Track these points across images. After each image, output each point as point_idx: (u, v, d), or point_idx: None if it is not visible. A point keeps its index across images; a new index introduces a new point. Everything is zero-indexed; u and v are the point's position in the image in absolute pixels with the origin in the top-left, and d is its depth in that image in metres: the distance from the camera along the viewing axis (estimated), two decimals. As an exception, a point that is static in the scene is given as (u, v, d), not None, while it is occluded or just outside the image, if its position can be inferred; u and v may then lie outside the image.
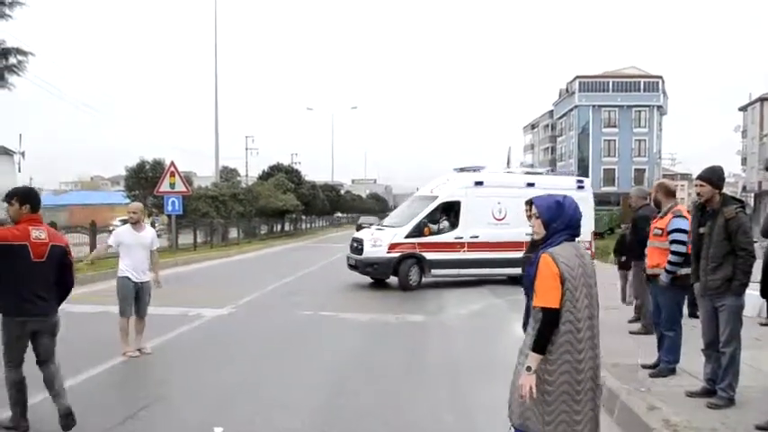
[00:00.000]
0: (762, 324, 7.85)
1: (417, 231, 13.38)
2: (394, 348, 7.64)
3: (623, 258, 9.40)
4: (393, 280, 13.49)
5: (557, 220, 3.00)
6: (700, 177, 4.84)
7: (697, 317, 7.35)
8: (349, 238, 15.78)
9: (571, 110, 66.44)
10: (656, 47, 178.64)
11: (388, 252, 13.24)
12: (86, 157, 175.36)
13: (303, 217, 47.01)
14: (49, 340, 4.57)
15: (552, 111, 75.41)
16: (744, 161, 57.24)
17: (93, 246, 16.17)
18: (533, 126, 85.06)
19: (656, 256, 5.83)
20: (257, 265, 19.69)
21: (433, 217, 13.68)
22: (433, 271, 13.44)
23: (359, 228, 25.01)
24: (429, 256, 13.28)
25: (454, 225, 13.64)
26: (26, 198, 4.49)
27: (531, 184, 13.92)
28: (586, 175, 18.46)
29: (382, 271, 13.46)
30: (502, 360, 4.90)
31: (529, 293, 3.06)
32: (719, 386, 4.67)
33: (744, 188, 53.82)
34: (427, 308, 10.77)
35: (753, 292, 5.20)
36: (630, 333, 7.61)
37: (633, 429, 4.45)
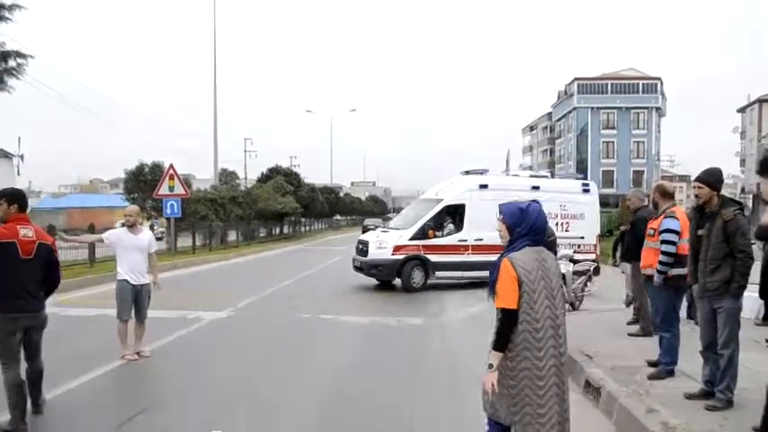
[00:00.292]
0: (758, 324, 7.86)
1: (422, 234, 13.50)
2: (393, 352, 7.63)
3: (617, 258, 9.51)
4: (398, 282, 13.57)
5: (520, 224, 3.18)
6: (698, 179, 4.85)
7: (692, 318, 7.38)
8: (348, 240, 15.85)
9: (570, 112, 66.54)
10: (655, 49, 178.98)
11: (392, 254, 13.35)
12: (85, 160, 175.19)
13: (302, 220, 47.00)
14: (39, 336, 4.81)
15: (551, 113, 75.51)
16: (742, 163, 57.25)
17: (91, 248, 16.20)
18: (532, 128, 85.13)
19: (650, 257, 5.87)
20: (256, 268, 19.69)
21: (437, 219, 13.79)
22: (437, 273, 13.51)
23: (365, 229, 25.14)
24: (433, 258, 13.38)
25: (459, 228, 13.71)
26: (13, 198, 4.71)
27: (536, 188, 13.97)
28: (585, 177, 18.38)
29: (387, 273, 13.54)
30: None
31: (492, 296, 3.24)
32: (718, 388, 4.67)
33: (742, 190, 53.82)
34: (428, 311, 10.77)
35: (751, 293, 5.20)
36: (629, 335, 7.62)
37: (632, 432, 4.45)
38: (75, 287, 12.65)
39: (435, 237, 13.55)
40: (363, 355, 7.46)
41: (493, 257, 3.29)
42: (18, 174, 36.15)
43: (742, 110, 57.14)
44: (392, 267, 13.35)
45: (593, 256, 13.74)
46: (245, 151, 61.42)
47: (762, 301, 7.95)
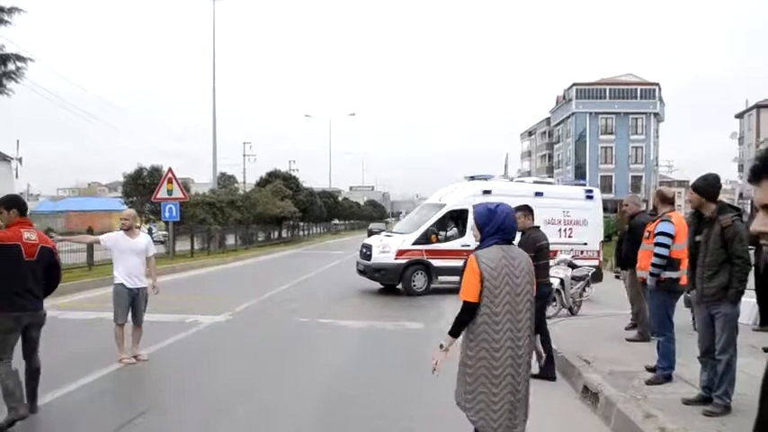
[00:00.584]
0: (755, 330, 7.87)
1: (425, 238, 13.58)
2: (391, 356, 7.63)
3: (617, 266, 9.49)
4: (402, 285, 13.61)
5: (488, 224, 3.38)
6: (691, 185, 4.94)
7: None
8: (347, 245, 15.91)
9: (568, 117, 66.70)
10: (653, 54, 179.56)
11: (395, 258, 13.43)
12: (84, 163, 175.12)
13: (300, 224, 46.98)
14: (38, 333, 5.01)
15: (549, 118, 75.69)
16: (740, 168, 57.37)
17: (90, 251, 16.19)
18: (531, 133, 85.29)
19: (646, 259, 5.93)
20: (254, 272, 19.66)
21: (440, 224, 13.86)
22: (440, 278, 13.53)
23: (370, 233, 25.23)
24: (436, 262, 13.42)
25: (462, 233, 13.71)
26: (10, 204, 4.89)
27: (539, 194, 13.98)
28: (583, 183, 18.36)
29: (390, 277, 13.60)
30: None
31: None
32: (716, 393, 4.67)
33: (740, 195, 53.84)
34: (427, 315, 10.76)
35: (748, 299, 5.22)
36: (627, 340, 7.63)
37: (630, 437, 4.45)
38: (74, 290, 12.63)
39: (438, 241, 13.60)
40: (361, 359, 7.46)
41: None
42: (16, 177, 36.19)
43: (740, 115, 57.32)
44: (395, 271, 13.42)
45: (596, 262, 13.75)
46: (244, 155, 61.46)
47: (758, 307, 7.98)
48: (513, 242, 3.48)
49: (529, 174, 69.02)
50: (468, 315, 3.30)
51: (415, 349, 8.00)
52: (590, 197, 14.99)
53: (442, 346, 3.41)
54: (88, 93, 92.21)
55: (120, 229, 7.13)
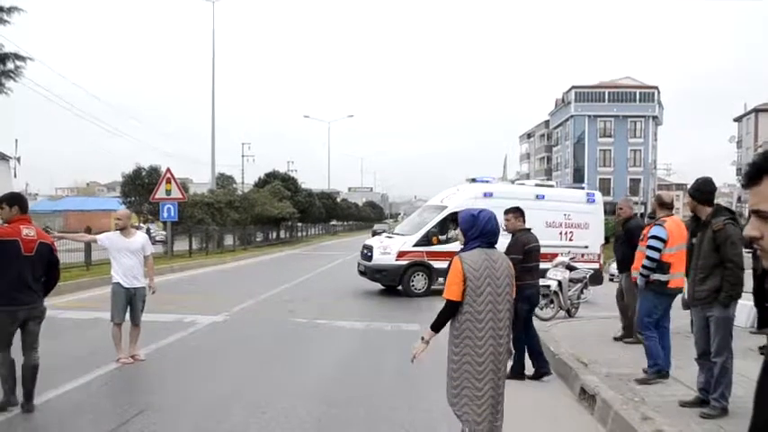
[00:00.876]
0: (753, 333, 7.88)
1: (426, 240, 13.63)
2: (388, 357, 7.62)
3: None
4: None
5: (471, 229, 3.63)
6: (688, 189, 5.02)
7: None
8: (345, 246, 15.93)
9: (567, 120, 66.75)
10: (652, 57, 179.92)
11: (396, 259, 13.47)
12: (83, 163, 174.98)
13: (299, 225, 46.96)
14: (36, 327, 5.08)
15: (548, 120, 75.76)
16: (739, 171, 57.43)
17: (88, 251, 16.16)
18: (529, 135, 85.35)
19: (639, 261, 5.97)
20: (252, 273, 19.66)
21: (441, 226, 13.88)
22: (440, 279, 13.51)
23: (374, 234, 25.27)
24: (436, 264, 13.41)
25: None
26: (13, 201, 5.05)
27: (540, 197, 13.99)
28: (583, 186, 18.31)
29: (390, 278, 13.62)
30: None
31: None
32: (712, 396, 4.69)
33: (739, 198, 54.01)
34: (424, 316, 10.72)
35: (745, 302, 5.23)
36: (625, 342, 7.64)
37: (626, 439, 4.45)
38: (72, 290, 12.61)
39: (439, 243, 13.62)
40: (358, 361, 7.45)
41: None
42: (15, 176, 36.12)
43: (739, 119, 57.47)
44: (396, 273, 13.44)
45: (596, 266, 13.76)
46: (243, 156, 61.49)
47: (755, 310, 8.00)
48: (496, 246, 3.68)
49: (527, 176, 69.02)
50: (450, 312, 3.57)
51: (411, 350, 8.00)
52: (591, 200, 15.02)
53: (423, 339, 3.69)
54: (87, 92, 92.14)
55: (116, 229, 7.13)
